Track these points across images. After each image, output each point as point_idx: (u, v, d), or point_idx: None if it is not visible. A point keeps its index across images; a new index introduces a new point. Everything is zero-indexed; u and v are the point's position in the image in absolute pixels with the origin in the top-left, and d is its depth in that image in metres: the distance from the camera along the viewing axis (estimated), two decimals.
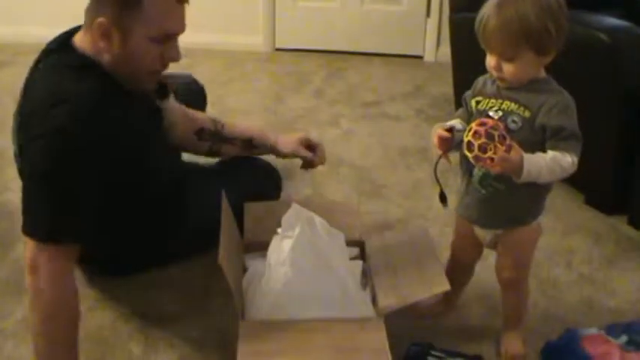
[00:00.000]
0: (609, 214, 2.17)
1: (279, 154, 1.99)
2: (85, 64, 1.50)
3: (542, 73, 1.44)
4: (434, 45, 3.70)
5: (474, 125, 1.33)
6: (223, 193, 1.63)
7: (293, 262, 1.42)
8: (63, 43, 1.55)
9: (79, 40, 1.53)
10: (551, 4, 1.36)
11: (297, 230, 1.44)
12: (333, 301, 1.45)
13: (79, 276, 1.84)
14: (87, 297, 1.77)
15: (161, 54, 1.52)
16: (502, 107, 1.44)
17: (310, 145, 1.98)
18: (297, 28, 3.79)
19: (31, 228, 1.42)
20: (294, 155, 1.97)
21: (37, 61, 1.57)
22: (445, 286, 1.51)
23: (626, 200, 2.13)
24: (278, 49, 3.83)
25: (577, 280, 1.88)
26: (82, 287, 1.80)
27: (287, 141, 1.97)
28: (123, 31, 1.46)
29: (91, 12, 1.49)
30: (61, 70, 1.49)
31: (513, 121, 1.41)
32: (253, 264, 1.62)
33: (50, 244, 1.40)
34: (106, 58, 1.51)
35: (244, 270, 1.62)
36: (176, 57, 1.55)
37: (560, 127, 1.38)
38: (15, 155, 1.58)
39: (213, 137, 1.94)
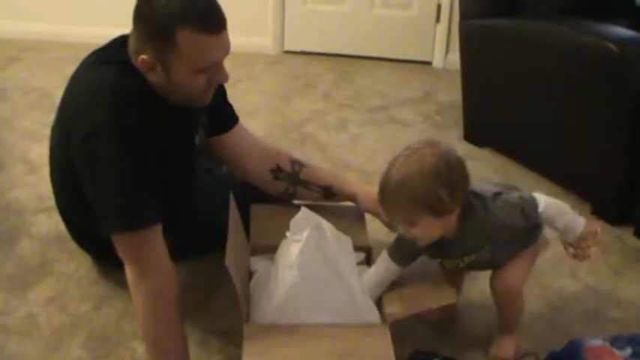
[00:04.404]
0: (615, 224, 2.17)
1: (357, 205, 1.83)
2: (131, 66, 1.52)
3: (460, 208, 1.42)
4: (443, 51, 3.70)
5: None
6: (231, 195, 1.63)
7: (300, 266, 1.42)
8: (117, 42, 1.58)
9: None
10: (440, 170, 1.34)
11: (305, 234, 1.44)
12: (339, 306, 1.45)
13: (84, 274, 1.85)
14: (92, 296, 1.77)
15: (208, 79, 1.52)
16: (465, 262, 1.50)
17: None
18: (306, 31, 3.79)
19: (114, 224, 1.44)
20: (374, 214, 1.80)
21: (88, 57, 1.61)
22: (452, 298, 1.52)
23: (632, 211, 2.13)
24: (286, 52, 3.83)
25: (582, 290, 1.88)
26: (88, 286, 1.81)
27: (368, 194, 1.77)
28: (166, 67, 1.48)
29: (134, 45, 1.51)
30: (108, 65, 1.52)
31: (484, 256, 1.49)
32: (260, 267, 1.62)
33: (139, 230, 1.43)
34: (155, 82, 1.52)
35: (250, 272, 1.62)
36: (223, 79, 1.55)
37: (529, 225, 1.47)
38: (53, 129, 1.65)
39: (289, 179, 1.82)
